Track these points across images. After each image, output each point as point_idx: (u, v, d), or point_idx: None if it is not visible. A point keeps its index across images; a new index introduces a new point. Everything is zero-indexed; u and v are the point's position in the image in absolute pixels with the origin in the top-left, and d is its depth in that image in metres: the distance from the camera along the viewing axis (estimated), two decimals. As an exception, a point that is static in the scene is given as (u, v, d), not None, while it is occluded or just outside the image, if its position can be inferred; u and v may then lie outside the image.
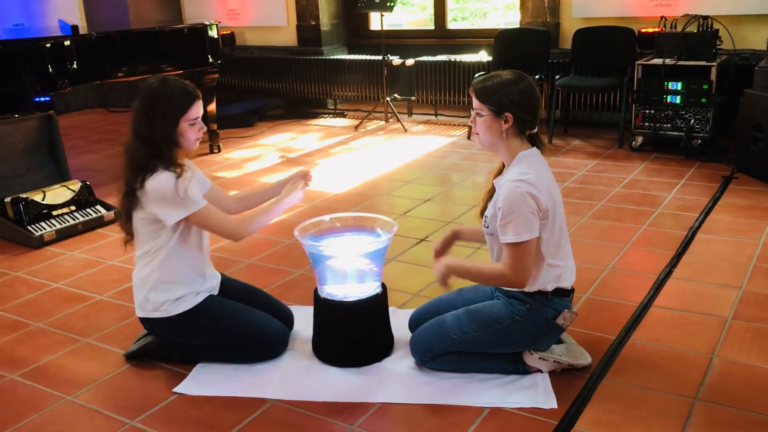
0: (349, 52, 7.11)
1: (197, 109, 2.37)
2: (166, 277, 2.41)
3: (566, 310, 2.31)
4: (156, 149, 2.31)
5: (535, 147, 2.28)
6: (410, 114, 6.81)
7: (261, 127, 6.64)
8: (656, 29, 5.10)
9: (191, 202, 2.31)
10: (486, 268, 2.33)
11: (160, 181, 2.29)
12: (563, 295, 2.32)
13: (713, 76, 4.72)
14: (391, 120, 6.55)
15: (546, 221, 2.21)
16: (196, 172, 2.52)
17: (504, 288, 2.35)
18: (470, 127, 2.34)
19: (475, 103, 2.25)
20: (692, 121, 4.84)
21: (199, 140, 2.42)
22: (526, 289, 2.29)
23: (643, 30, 5.26)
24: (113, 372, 2.53)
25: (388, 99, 6.38)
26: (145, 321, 2.50)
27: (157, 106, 2.30)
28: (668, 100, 4.90)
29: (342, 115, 7.05)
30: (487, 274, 2.32)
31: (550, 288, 2.28)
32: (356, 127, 6.42)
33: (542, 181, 2.20)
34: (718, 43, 4.83)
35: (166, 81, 2.35)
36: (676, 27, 4.95)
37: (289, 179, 2.60)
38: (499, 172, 2.37)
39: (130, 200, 2.35)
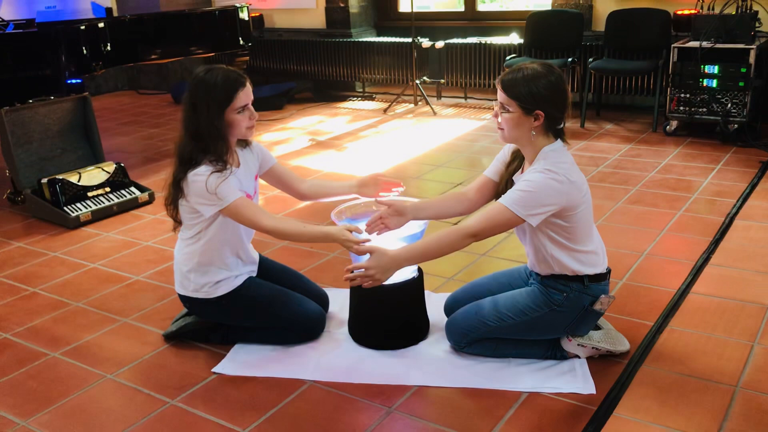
0: (378, 35, 7.08)
1: (244, 97, 2.30)
2: (208, 261, 2.43)
3: (603, 295, 2.29)
4: (202, 143, 2.29)
5: (559, 140, 2.22)
6: (439, 97, 6.77)
7: (290, 110, 6.65)
8: (693, 11, 5.00)
9: (218, 199, 2.27)
10: (438, 240, 2.18)
11: (196, 175, 2.28)
12: (599, 279, 2.30)
13: (752, 60, 4.62)
14: (420, 103, 6.52)
15: (569, 214, 2.17)
16: (253, 156, 2.51)
17: (539, 273, 2.34)
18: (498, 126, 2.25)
19: (502, 96, 2.16)
20: (729, 105, 4.76)
21: (251, 128, 2.38)
22: (556, 272, 2.27)
23: (679, 12, 5.16)
24: (153, 351, 2.57)
25: (417, 82, 6.34)
26: (184, 299, 2.53)
27: (201, 97, 2.27)
28: (704, 83, 4.81)
29: (371, 98, 7.04)
30: (443, 240, 2.18)
31: (583, 272, 2.26)
32: (385, 110, 6.40)
33: (570, 176, 2.14)
34: (757, 25, 4.72)
35: (210, 70, 2.29)
36: (713, 9, 4.85)
37: (368, 183, 2.54)
38: (518, 167, 2.33)
39: (176, 190, 2.35)
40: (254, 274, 2.58)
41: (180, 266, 2.49)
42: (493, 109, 6.15)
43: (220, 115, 2.28)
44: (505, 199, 2.16)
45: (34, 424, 2.19)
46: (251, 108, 2.35)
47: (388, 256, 2.18)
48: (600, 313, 2.32)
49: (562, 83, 2.16)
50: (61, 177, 3.97)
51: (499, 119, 2.20)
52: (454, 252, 2.24)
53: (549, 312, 2.29)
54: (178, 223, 2.47)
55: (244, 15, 5.37)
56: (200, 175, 2.28)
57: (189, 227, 2.44)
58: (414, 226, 2.47)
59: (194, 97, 2.29)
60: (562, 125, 2.21)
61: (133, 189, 4.20)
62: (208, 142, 2.29)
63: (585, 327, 2.34)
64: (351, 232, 2.28)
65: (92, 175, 4.10)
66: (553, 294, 2.29)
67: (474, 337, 2.38)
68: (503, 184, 2.36)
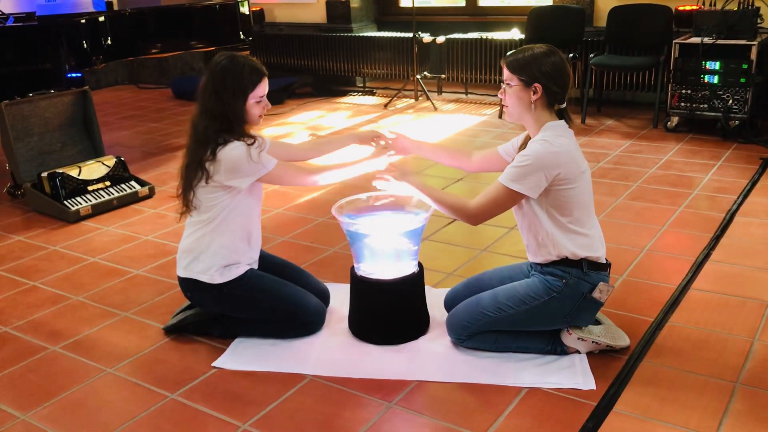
0: (379, 29, 7.06)
1: (264, 87, 2.42)
2: (219, 242, 2.45)
3: (602, 283, 2.29)
4: (226, 124, 2.37)
5: (563, 120, 2.28)
6: (440, 92, 6.76)
7: (290, 105, 6.64)
8: (694, 7, 4.99)
9: (262, 166, 2.38)
10: (448, 196, 2.41)
11: (233, 149, 2.35)
12: (599, 269, 2.31)
13: (753, 56, 4.61)
14: (420, 98, 6.51)
15: (566, 187, 2.21)
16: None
17: (539, 263, 2.34)
18: (501, 105, 2.35)
19: (506, 74, 2.27)
20: (730, 101, 4.75)
21: (261, 118, 2.47)
22: (555, 257, 2.28)
23: (681, 7, 5.14)
24: (152, 345, 2.57)
25: (417, 77, 6.33)
26: (186, 284, 2.53)
27: (227, 83, 2.36)
28: (706, 79, 4.80)
29: (371, 93, 7.02)
30: (448, 201, 2.36)
31: (581, 255, 2.26)
32: (386, 105, 6.39)
33: (566, 148, 2.21)
34: (759, 21, 4.71)
35: (235, 57, 2.40)
36: (715, 5, 4.83)
37: (367, 136, 2.68)
38: (524, 148, 2.36)
39: (194, 172, 2.39)
40: (255, 266, 2.58)
41: (188, 251, 2.49)
42: (497, 104, 6.11)
43: (243, 100, 2.38)
44: (502, 177, 2.24)
45: (34, 418, 2.19)
46: (266, 99, 2.45)
47: (408, 171, 2.43)
48: (599, 303, 2.32)
49: (563, 63, 2.24)
50: (61, 171, 3.96)
51: (504, 97, 2.31)
52: (451, 216, 2.42)
53: (548, 300, 2.29)
54: (187, 208, 2.46)
55: (244, 9, 5.36)
56: (238, 148, 2.35)
57: (205, 210, 2.45)
58: (416, 221, 2.47)
59: (218, 81, 2.36)
60: (564, 105, 2.28)
61: (133, 183, 4.20)
62: (233, 123, 2.38)
63: (584, 317, 2.34)
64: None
65: (92, 169, 4.10)
66: (552, 281, 2.30)
67: (474, 329, 2.38)
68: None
